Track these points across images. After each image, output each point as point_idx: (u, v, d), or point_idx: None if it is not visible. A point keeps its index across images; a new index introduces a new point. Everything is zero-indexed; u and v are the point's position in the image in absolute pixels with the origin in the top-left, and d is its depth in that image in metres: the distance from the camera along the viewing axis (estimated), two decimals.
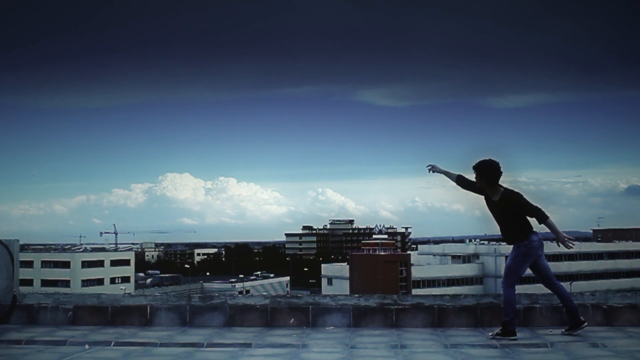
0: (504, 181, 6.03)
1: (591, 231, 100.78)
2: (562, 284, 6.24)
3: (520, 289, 5.96)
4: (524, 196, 5.94)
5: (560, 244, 5.93)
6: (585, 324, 5.95)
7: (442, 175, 6.36)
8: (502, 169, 5.96)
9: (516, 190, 5.98)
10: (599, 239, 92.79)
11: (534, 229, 5.96)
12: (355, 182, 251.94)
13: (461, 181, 6.17)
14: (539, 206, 5.89)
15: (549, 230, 5.89)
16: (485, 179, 5.96)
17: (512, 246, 6.03)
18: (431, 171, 6.36)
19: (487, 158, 6.01)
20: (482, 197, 6.10)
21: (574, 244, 5.98)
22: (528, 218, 5.94)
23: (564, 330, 6.03)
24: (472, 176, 6.11)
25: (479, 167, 6.00)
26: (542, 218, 5.84)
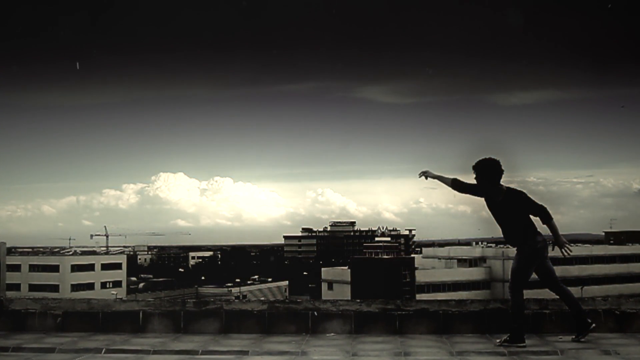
0: (512, 181, 5.90)
1: (603, 233, 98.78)
2: (572, 288, 6.09)
3: (529, 294, 5.78)
4: (528, 195, 5.80)
5: (558, 248, 5.81)
6: (594, 325, 5.80)
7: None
8: (503, 168, 5.81)
9: (519, 189, 5.84)
10: (611, 241, 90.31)
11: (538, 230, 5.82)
12: (356, 182, 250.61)
13: (457, 185, 5.99)
14: (545, 205, 5.76)
15: (548, 233, 5.77)
16: (486, 178, 5.79)
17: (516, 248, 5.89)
18: (424, 177, 6.15)
19: (487, 157, 5.86)
20: (483, 198, 5.93)
21: (571, 251, 5.86)
22: (532, 218, 5.79)
23: (574, 336, 5.85)
24: (470, 178, 5.93)
25: (479, 167, 5.85)
26: (547, 218, 5.74)
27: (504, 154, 5.99)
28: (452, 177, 6.04)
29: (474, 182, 5.95)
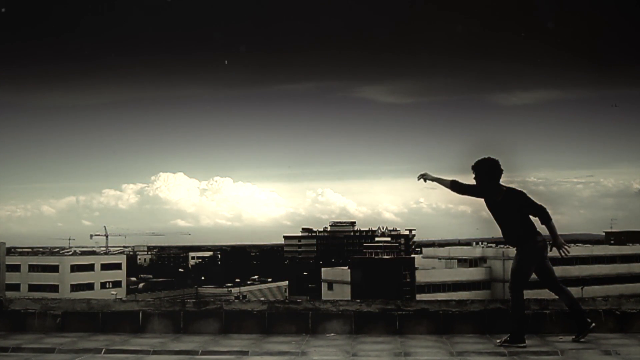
0: (512, 181, 5.89)
1: (604, 233, 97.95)
2: (573, 288, 6.09)
3: (530, 294, 5.77)
4: (528, 195, 5.80)
5: (556, 249, 5.81)
6: (593, 324, 5.79)
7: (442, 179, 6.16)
8: (502, 167, 5.81)
9: (519, 189, 5.83)
10: (612, 241, 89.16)
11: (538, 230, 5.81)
12: (356, 182, 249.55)
13: (456, 186, 5.97)
14: (544, 206, 5.76)
15: (546, 233, 5.77)
16: (485, 178, 5.78)
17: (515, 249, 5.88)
18: (422, 180, 6.12)
19: (486, 156, 5.85)
20: (482, 199, 5.91)
21: (569, 253, 5.86)
22: (531, 218, 5.78)
23: (574, 337, 5.83)
24: (469, 178, 5.92)
25: (478, 167, 5.83)
26: (547, 218, 5.74)
27: (504, 154, 5.98)
28: (450, 178, 6.01)
29: (474, 182, 5.95)
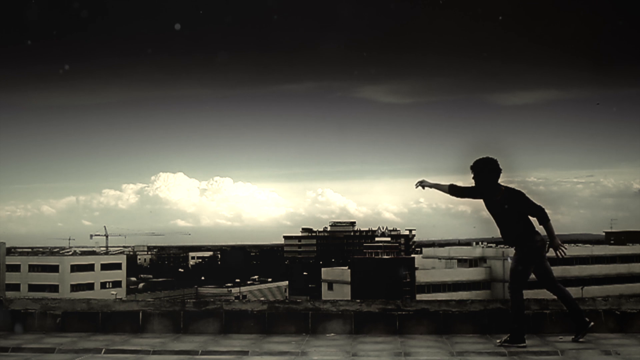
0: (512, 181, 5.90)
1: (604, 234, 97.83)
2: (573, 288, 6.10)
3: (529, 294, 5.77)
4: (527, 195, 5.80)
5: (553, 250, 5.81)
6: (592, 324, 5.80)
7: (443, 181, 6.17)
8: (500, 167, 5.81)
9: (518, 189, 5.84)
10: (612, 241, 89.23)
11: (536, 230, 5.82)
12: (356, 182, 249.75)
13: (454, 190, 5.97)
14: (542, 207, 5.76)
15: (544, 233, 5.77)
16: (484, 178, 5.78)
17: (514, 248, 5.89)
18: (420, 187, 6.11)
19: (484, 156, 5.85)
20: (481, 199, 5.91)
21: (566, 254, 5.86)
22: (530, 218, 5.78)
23: (574, 337, 5.83)
24: (469, 178, 5.92)
25: (477, 166, 5.84)
26: (545, 219, 5.74)
27: (504, 154, 5.99)
28: (448, 183, 6.01)
29: (472, 182, 5.95)
